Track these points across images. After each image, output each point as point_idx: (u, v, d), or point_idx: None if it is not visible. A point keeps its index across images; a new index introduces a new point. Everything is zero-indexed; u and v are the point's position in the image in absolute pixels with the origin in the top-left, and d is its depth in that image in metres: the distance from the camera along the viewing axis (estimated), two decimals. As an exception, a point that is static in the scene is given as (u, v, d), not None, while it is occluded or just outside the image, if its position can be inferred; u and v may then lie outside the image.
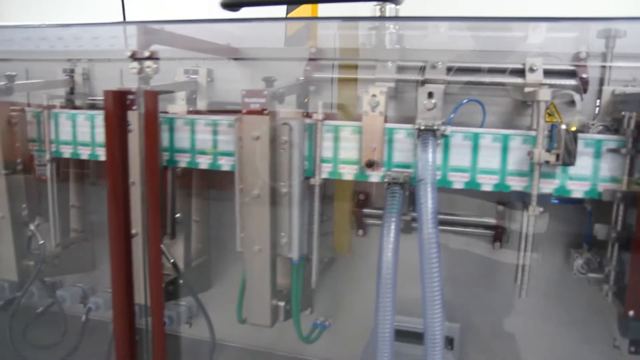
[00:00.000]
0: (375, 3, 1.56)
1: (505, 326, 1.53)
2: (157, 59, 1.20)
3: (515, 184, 1.25)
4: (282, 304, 1.42)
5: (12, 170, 1.60)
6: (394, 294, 1.24)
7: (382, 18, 1.52)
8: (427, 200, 1.17)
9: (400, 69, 1.45)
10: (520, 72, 1.33)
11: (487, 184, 1.27)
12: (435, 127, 1.25)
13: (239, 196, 1.38)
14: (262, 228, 1.34)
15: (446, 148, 1.27)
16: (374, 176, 1.33)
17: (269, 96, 1.28)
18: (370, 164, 1.31)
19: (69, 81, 1.79)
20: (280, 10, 3.39)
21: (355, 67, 1.56)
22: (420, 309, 1.19)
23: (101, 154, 1.58)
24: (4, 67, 1.88)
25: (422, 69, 1.41)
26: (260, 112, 1.28)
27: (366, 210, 1.53)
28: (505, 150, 1.24)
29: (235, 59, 1.64)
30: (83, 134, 1.60)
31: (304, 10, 3.36)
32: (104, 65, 1.84)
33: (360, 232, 1.57)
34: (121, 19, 2.72)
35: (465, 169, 1.28)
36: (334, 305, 1.68)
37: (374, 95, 1.31)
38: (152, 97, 1.17)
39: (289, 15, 3.39)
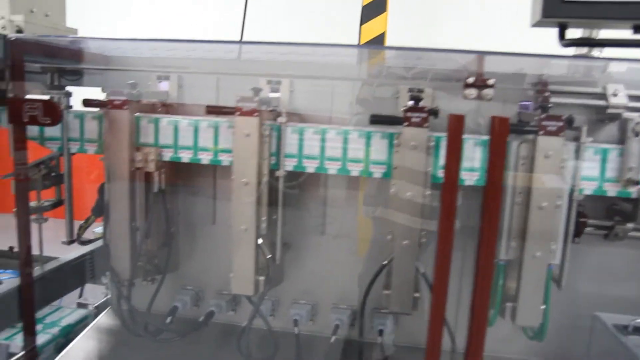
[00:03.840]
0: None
1: None
2: (493, 86, 1.32)
3: None
4: (543, 307, 1.56)
5: (259, 182, 1.60)
6: None
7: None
8: None
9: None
10: None
11: None
12: None
13: (512, 207, 1.51)
14: (548, 237, 1.49)
15: None
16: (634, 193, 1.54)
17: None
18: (636, 182, 1.52)
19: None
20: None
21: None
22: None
23: (331, 167, 1.64)
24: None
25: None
26: (556, 134, 1.44)
27: (592, 221, 1.72)
28: None
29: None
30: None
31: (378, 22, 3.54)
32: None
33: (577, 239, 1.74)
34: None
35: None
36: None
37: None
38: (504, 123, 1.28)
39: (363, 27, 3.54)
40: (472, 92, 1.31)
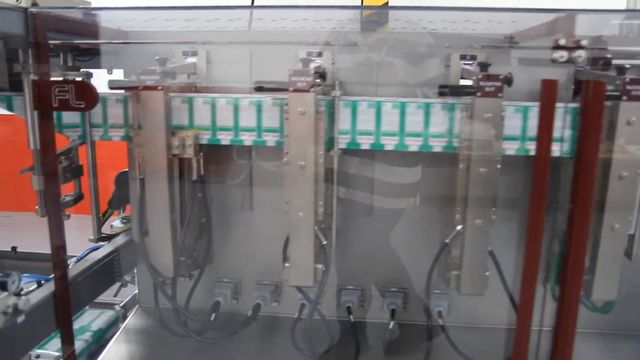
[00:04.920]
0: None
1: None
2: (584, 47, 1.21)
3: None
4: (617, 280, 1.51)
5: (316, 164, 1.47)
6: None
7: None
8: None
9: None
10: None
11: None
12: None
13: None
14: (626, 208, 1.42)
15: None
16: None
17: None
18: None
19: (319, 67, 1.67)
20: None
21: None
22: None
23: (387, 143, 1.51)
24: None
25: None
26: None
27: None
28: None
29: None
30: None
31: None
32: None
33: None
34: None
35: None
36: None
37: None
38: (599, 87, 1.18)
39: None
40: (563, 54, 1.20)
